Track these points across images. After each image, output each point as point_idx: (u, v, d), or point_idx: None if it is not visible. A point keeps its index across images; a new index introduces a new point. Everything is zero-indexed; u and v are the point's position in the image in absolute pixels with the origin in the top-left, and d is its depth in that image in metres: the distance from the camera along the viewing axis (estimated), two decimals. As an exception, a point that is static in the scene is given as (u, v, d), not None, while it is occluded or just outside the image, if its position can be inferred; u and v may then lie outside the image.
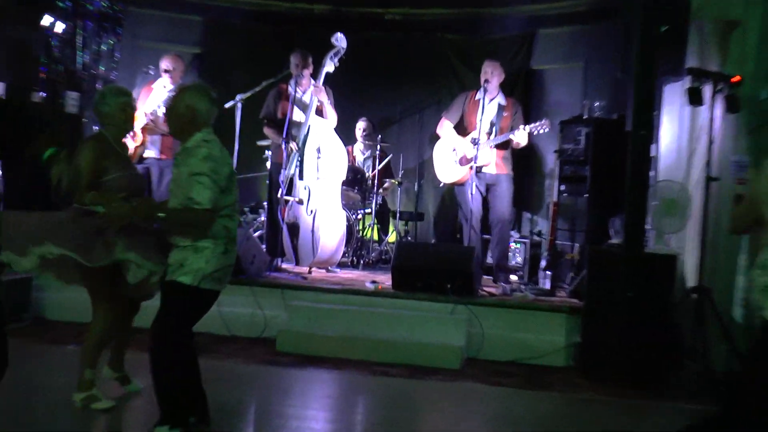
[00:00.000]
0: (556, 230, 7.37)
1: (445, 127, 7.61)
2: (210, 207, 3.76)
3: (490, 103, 7.33)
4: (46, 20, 7.99)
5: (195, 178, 3.76)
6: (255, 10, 9.42)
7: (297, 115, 7.54)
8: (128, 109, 4.59)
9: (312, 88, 7.55)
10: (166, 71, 7.80)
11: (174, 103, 3.99)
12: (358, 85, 9.16)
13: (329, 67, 7.53)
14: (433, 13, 9.26)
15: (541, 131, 7.11)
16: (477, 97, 7.43)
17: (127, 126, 4.66)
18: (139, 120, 7.54)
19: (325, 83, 7.66)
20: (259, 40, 9.34)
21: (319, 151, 7.44)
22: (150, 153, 7.78)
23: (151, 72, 8.04)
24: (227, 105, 7.13)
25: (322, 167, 7.45)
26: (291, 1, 9.26)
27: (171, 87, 7.70)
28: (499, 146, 7.36)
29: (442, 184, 7.82)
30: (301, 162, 7.50)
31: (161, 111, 7.48)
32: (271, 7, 9.36)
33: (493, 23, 9.17)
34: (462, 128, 7.56)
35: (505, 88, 7.75)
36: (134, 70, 8.74)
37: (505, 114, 7.37)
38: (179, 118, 3.96)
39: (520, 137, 7.15)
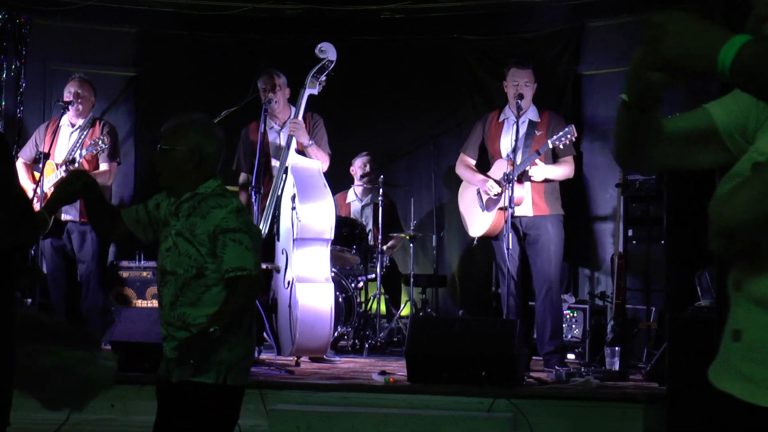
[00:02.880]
0: (625, 291, 7.14)
1: (464, 167, 7.30)
2: (257, 273, 3.66)
3: (521, 123, 6.94)
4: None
5: (230, 236, 3.61)
6: (205, 15, 9.10)
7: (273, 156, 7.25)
8: None
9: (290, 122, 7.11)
10: (67, 103, 7.37)
11: (170, 145, 3.80)
12: (347, 109, 8.96)
13: (313, 88, 6.97)
14: (445, 6, 9.03)
15: (566, 142, 6.74)
16: (501, 118, 7.12)
17: None
18: (52, 176, 7.22)
19: (312, 110, 7.17)
20: (214, 54, 9.13)
21: (293, 200, 6.94)
22: (67, 216, 7.41)
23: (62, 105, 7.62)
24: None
25: (298, 222, 7.00)
26: (254, 1, 9.07)
27: (79, 124, 7.39)
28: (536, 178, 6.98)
29: (475, 241, 7.52)
30: (278, 217, 7.04)
31: (78, 159, 7.27)
32: (228, 10, 9.07)
33: (525, 16, 9.03)
34: (488, 163, 7.22)
35: (546, 101, 7.39)
36: (47, 103, 8.53)
37: (538, 132, 6.97)
38: (179, 165, 3.77)
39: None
